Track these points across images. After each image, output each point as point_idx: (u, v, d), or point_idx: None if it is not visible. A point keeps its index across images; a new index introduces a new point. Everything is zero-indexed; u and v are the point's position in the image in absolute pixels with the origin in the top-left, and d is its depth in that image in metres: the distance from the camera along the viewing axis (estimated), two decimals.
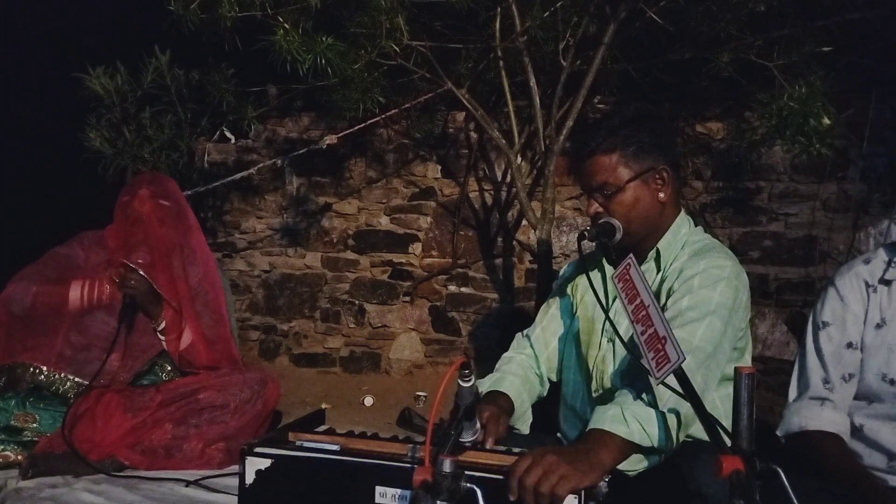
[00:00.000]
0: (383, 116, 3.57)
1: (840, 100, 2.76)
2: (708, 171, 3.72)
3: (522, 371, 1.89)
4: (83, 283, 2.59)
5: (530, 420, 1.87)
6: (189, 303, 2.61)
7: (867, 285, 1.74)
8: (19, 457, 2.40)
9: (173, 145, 3.92)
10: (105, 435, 2.42)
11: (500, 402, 1.74)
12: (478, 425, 1.45)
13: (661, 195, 1.74)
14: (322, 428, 1.64)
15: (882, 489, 1.62)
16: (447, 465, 1.17)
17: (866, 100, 3.32)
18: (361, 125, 3.55)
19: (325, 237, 4.25)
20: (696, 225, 1.82)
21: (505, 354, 1.96)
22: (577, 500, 1.28)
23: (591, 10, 3.04)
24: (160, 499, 2.18)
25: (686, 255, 1.72)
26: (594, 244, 1.78)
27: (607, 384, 1.74)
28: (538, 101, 3.13)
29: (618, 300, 1.60)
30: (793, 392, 1.79)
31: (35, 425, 2.45)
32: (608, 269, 1.79)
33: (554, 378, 1.93)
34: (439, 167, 4.10)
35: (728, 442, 1.23)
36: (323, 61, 2.88)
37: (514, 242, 4.00)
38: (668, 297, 1.68)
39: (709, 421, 1.27)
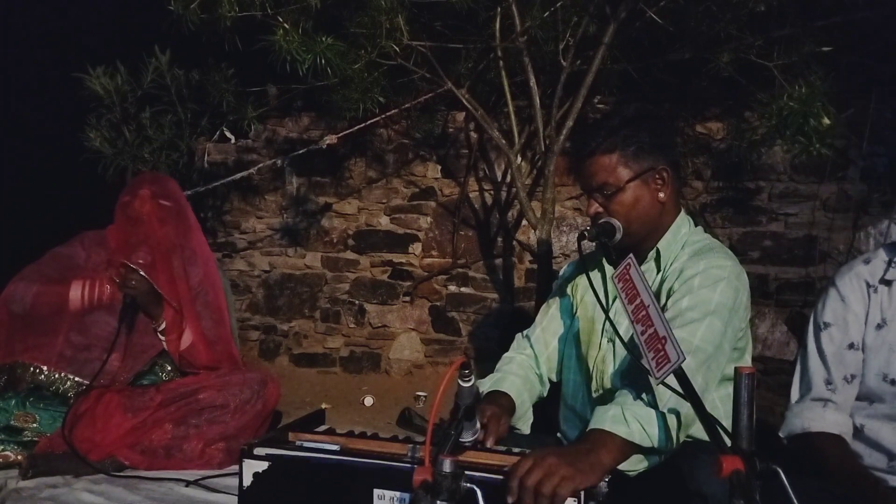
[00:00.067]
0: (383, 116, 3.57)
1: (840, 100, 2.76)
2: (708, 171, 3.72)
3: (523, 371, 1.89)
4: (84, 282, 2.58)
5: (531, 420, 1.87)
6: (189, 303, 2.61)
7: (868, 285, 1.74)
8: (19, 457, 2.39)
9: (173, 145, 3.92)
10: (105, 435, 2.42)
11: (502, 402, 1.74)
12: (478, 425, 1.45)
13: (661, 195, 1.74)
14: (322, 428, 1.64)
15: (882, 489, 1.62)
16: (447, 465, 1.17)
17: (866, 100, 3.32)
18: (361, 125, 3.55)
19: (325, 237, 4.25)
20: (696, 225, 1.82)
21: (505, 355, 1.96)
22: (577, 501, 1.27)
23: (591, 10, 3.04)
24: (160, 499, 2.18)
25: (686, 255, 1.72)
26: (594, 244, 1.78)
27: (607, 384, 1.74)
28: (538, 101, 3.13)
29: (618, 300, 1.60)
30: (795, 393, 1.79)
31: (35, 425, 2.45)
32: (608, 269, 1.79)
33: (554, 378, 1.93)
34: (439, 167, 4.10)
35: (728, 442, 1.23)
36: (323, 61, 2.88)
37: (514, 242, 4.00)
38: (668, 297, 1.68)
39: (709, 421, 1.27)
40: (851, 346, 1.73)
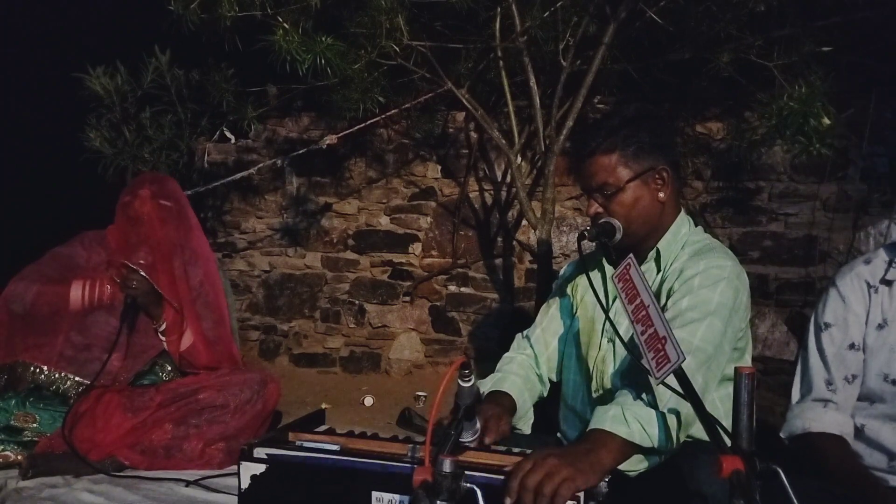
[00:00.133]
0: (383, 116, 3.57)
1: (840, 100, 2.76)
2: (708, 171, 3.72)
3: (523, 371, 1.89)
4: (84, 282, 2.58)
5: (532, 420, 1.87)
6: (190, 303, 2.61)
7: (868, 286, 1.74)
8: (19, 457, 2.40)
9: (173, 145, 3.92)
10: (105, 435, 2.42)
11: (503, 402, 1.74)
12: (478, 425, 1.45)
13: (661, 195, 1.74)
14: (322, 428, 1.64)
15: (883, 490, 1.62)
16: (447, 465, 1.16)
17: (866, 100, 3.32)
18: (361, 125, 3.55)
19: (325, 237, 4.25)
20: (696, 225, 1.82)
21: (506, 355, 1.96)
22: (577, 501, 1.27)
23: (591, 10, 3.04)
24: (160, 499, 2.18)
25: (686, 255, 1.72)
26: (594, 244, 1.78)
27: (607, 384, 1.74)
28: (538, 101, 3.13)
29: (618, 300, 1.60)
30: (795, 394, 1.79)
31: (35, 425, 2.45)
32: (608, 269, 1.79)
33: (554, 378, 1.93)
34: (439, 167, 4.11)
35: (728, 442, 1.23)
36: (323, 61, 2.88)
37: (514, 242, 4.00)
38: (668, 297, 1.67)
39: (709, 421, 1.26)
40: (852, 346, 1.73)
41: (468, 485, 1.20)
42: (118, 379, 2.53)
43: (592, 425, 1.47)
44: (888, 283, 1.72)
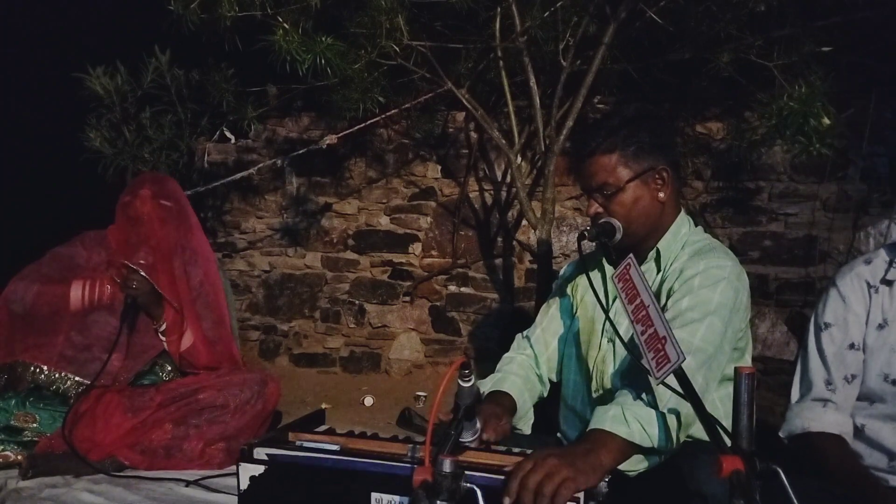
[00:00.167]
0: (383, 116, 3.57)
1: (840, 100, 2.76)
2: (708, 171, 3.72)
3: (524, 371, 1.89)
4: (84, 282, 2.58)
5: (532, 420, 1.87)
6: (190, 304, 2.61)
7: (869, 286, 1.74)
8: (19, 457, 2.40)
9: (173, 145, 3.92)
10: (105, 435, 2.42)
11: (503, 402, 1.74)
12: (478, 425, 1.45)
13: (661, 195, 1.74)
14: (322, 428, 1.64)
15: (883, 490, 1.62)
16: (447, 465, 1.16)
17: (866, 100, 3.32)
18: (361, 125, 3.55)
19: (325, 237, 4.25)
20: (696, 225, 1.82)
21: (506, 355, 1.96)
22: (577, 501, 1.27)
23: (591, 10, 3.04)
24: (160, 499, 2.18)
25: (686, 255, 1.72)
26: (594, 244, 1.78)
27: (607, 384, 1.74)
28: (538, 101, 3.13)
29: (618, 300, 1.60)
30: (795, 394, 1.79)
31: (35, 425, 2.45)
32: (608, 269, 1.79)
33: (554, 378, 1.93)
34: (439, 167, 4.11)
35: (728, 442, 1.23)
36: (323, 61, 2.88)
37: (514, 242, 4.00)
38: (668, 297, 1.67)
39: (709, 421, 1.26)
40: (852, 346, 1.73)
41: (468, 485, 1.20)
42: (118, 379, 2.53)
43: (592, 425, 1.47)
44: (888, 283, 1.72)
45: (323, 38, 2.88)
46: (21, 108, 4.34)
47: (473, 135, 4.03)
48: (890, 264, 1.73)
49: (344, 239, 4.23)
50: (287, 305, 4.30)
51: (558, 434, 1.91)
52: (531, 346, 1.95)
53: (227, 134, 4.27)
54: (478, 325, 4.05)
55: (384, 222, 4.18)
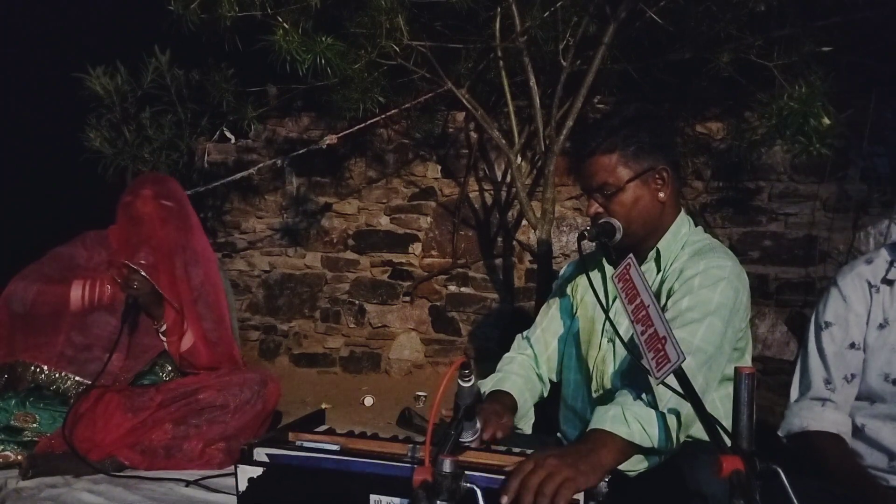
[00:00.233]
0: (383, 116, 3.57)
1: (840, 100, 2.76)
2: (708, 171, 3.72)
3: (524, 371, 1.89)
4: (84, 282, 2.58)
5: (532, 420, 1.87)
6: (191, 304, 2.61)
7: (870, 285, 1.74)
8: (19, 457, 2.39)
9: (173, 145, 3.92)
10: (105, 435, 2.42)
11: (504, 402, 1.75)
12: (478, 425, 1.45)
13: (661, 195, 1.74)
14: (322, 428, 1.64)
15: (882, 489, 1.62)
16: (447, 465, 1.16)
17: (866, 100, 3.32)
18: (361, 125, 3.55)
19: (325, 237, 4.25)
20: (696, 225, 1.82)
21: (506, 355, 1.96)
22: (577, 501, 1.27)
23: (591, 10, 3.04)
24: (160, 499, 2.18)
25: (686, 255, 1.72)
26: (594, 244, 1.78)
27: (607, 384, 1.74)
28: (538, 101, 3.13)
29: (618, 300, 1.60)
30: (794, 392, 1.80)
31: (35, 425, 2.45)
32: (608, 269, 1.79)
33: (554, 378, 1.93)
34: (439, 167, 4.11)
35: (728, 442, 1.23)
36: (323, 61, 2.88)
37: (514, 242, 4.00)
38: (668, 297, 1.67)
39: (709, 421, 1.26)
40: (852, 345, 1.73)
41: (468, 485, 1.20)
42: (119, 379, 2.53)
43: (592, 425, 1.47)
44: (889, 282, 1.72)
45: (323, 38, 2.88)
46: (21, 108, 4.34)
47: (473, 135, 4.03)
48: (891, 264, 1.73)
49: (344, 239, 4.23)
50: (287, 305, 4.30)
51: (558, 434, 1.91)
52: (531, 347, 1.95)
53: (227, 134, 4.27)
54: (478, 325, 4.05)
55: (384, 222, 4.18)
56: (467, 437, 1.42)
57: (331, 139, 3.58)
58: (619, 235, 1.71)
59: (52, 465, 2.31)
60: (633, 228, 1.72)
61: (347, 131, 3.63)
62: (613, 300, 1.75)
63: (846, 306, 1.74)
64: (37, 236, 2.84)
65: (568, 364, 1.89)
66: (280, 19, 2.86)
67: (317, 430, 1.61)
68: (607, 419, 1.46)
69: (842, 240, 3.56)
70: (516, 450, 1.50)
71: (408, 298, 4.14)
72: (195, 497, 2.23)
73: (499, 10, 3.06)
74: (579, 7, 3.04)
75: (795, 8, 2.87)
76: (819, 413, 1.71)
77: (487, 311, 4.04)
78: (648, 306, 1.37)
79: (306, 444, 1.51)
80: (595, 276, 1.81)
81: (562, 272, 2.03)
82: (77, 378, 2.53)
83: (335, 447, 1.48)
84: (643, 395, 1.51)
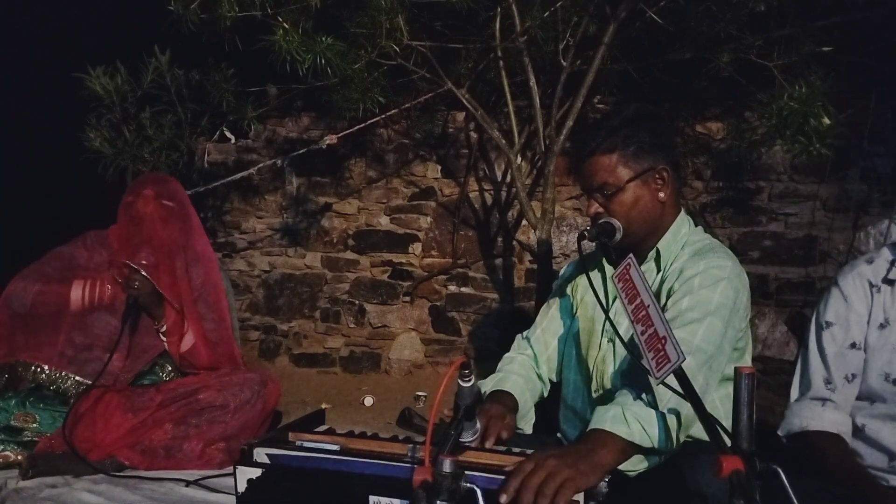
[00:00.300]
0: (383, 116, 3.57)
1: (840, 100, 2.75)
2: (708, 171, 3.72)
3: (524, 371, 1.90)
4: (85, 282, 2.59)
5: (533, 420, 1.87)
6: (191, 304, 2.61)
7: (871, 285, 1.74)
8: (19, 457, 2.40)
9: (173, 145, 3.92)
10: (105, 435, 2.42)
11: (505, 401, 1.75)
12: (478, 425, 1.45)
13: (661, 195, 1.74)
14: (322, 428, 1.64)
15: (882, 489, 1.62)
16: (447, 465, 1.16)
17: (866, 100, 3.32)
18: (361, 125, 3.55)
19: (325, 237, 4.25)
20: (696, 225, 1.82)
21: (506, 355, 1.96)
22: (577, 501, 1.27)
23: (591, 10, 3.04)
24: (160, 499, 2.18)
25: (686, 255, 1.72)
26: (594, 244, 1.78)
27: (607, 384, 1.74)
28: (538, 101, 3.13)
29: (618, 300, 1.60)
30: (794, 392, 1.80)
31: (35, 425, 2.45)
32: (608, 269, 1.79)
33: (554, 378, 1.93)
34: (439, 167, 4.11)
35: (728, 442, 1.23)
36: (323, 61, 2.88)
37: (514, 242, 4.00)
38: (668, 297, 1.67)
39: (709, 421, 1.27)
40: (853, 345, 1.73)
41: (468, 485, 1.20)
42: (119, 379, 2.53)
43: (593, 425, 1.47)
44: (890, 282, 1.72)
45: (323, 38, 2.88)
46: (21, 108, 4.34)
47: (473, 135, 4.03)
48: (892, 264, 1.73)
49: (344, 239, 4.23)
50: (287, 305, 4.30)
51: (558, 434, 1.91)
52: (531, 347, 1.95)
53: (227, 134, 4.27)
54: (478, 325, 4.05)
55: (384, 222, 4.18)
56: (467, 437, 1.42)
57: (331, 139, 3.58)
58: (619, 235, 1.71)
59: (52, 465, 2.31)
60: (633, 228, 1.72)
61: (347, 131, 3.63)
62: (613, 300, 1.75)
63: (847, 306, 1.74)
64: (37, 236, 2.84)
65: (568, 364, 1.89)
66: (280, 19, 2.86)
67: (317, 430, 1.61)
68: (607, 419, 1.46)
69: (842, 240, 3.56)
70: (516, 450, 1.50)
71: (408, 298, 4.14)
72: (195, 497, 2.23)
73: (499, 10, 3.06)
74: (579, 7, 3.04)
75: (795, 8, 2.87)
76: (819, 413, 1.71)
77: (487, 311, 4.04)
78: (648, 306, 1.37)
79: (306, 445, 1.51)
80: (595, 276, 1.81)
81: (562, 272, 2.03)
82: (77, 378, 2.53)
83: (335, 447, 1.48)
84: (643, 395, 1.51)
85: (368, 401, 3.65)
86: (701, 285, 1.63)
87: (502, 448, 1.52)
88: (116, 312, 2.55)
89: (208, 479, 2.32)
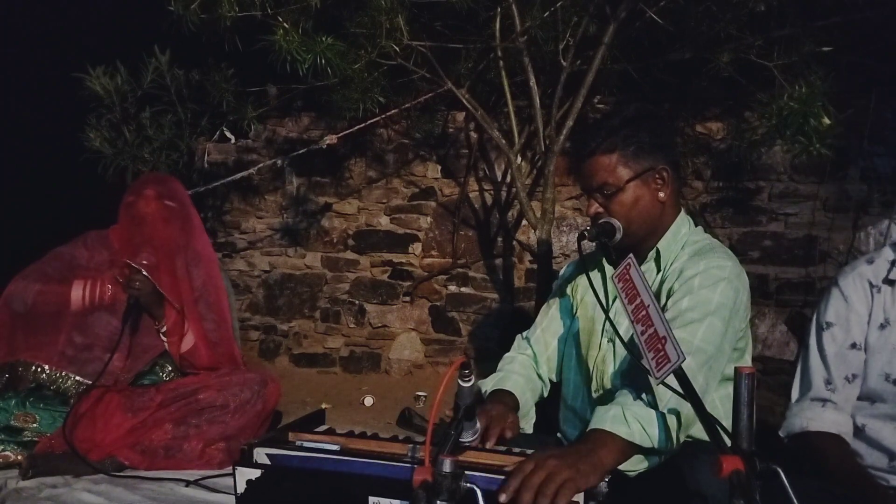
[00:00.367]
0: (383, 116, 3.57)
1: (840, 100, 2.76)
2: (708, 171, 3.72)
3: (525, 370, 1.90)
4: (85, 282, 2.59)
5: (534, 419, 1.87)
6: (192, 305, 2.61)
7: (871, 285, 1.74)
8: (19, 457, 2.40)
9: (173, 145, 3.92)
10: (105, 435, 2.42)
11: (507, 401, 1.75)
12: (478, 425, 1.45)
13: (661, 195, 1.74)
14: (322, 428, 1.64)
15: (882, 489, 1.62)
16: (447, 466, 1.16)
17: (866, 100, 3.32)
18: (361, 125, 3.55)
19: (325, 237, 4.25)
20: (696, 225, 1.82)
21: (506, 355, 1.96)
22: (577, 501, 1.27)
23: (591, 10, 3.04)
24: (160, 499, 2.18)
25: (686, 255, 1.72)
26: (594, 244, 1.78)
27: (607, 384, 1.74)
28: (538, 101, 3.13)
29: (618, 300, 1.60)
30: (795, 393, 1.79)
31: (35, 425, 2.45)
32: (608, 269, 1.79)
33: (554, 378, 1.93)
34: (439, 167, 4.11)
35: (728, 442, 1.23)
36: (323, 61, 2.88)
37: (514, 242, 4.00)
38: (668, 297, 1.67)
39: (709, 421, 1.26)
40: (853, 346, 1.73)
41: (468, 485, 1.20)
42: (119, 379, 2.53)
43: (593, 425, 1.47)
44: (891, 282, 1.72)
45: (323, 38, 2.88)
46: (21, 108, 4.34)
47: (473, 135, 4.03)
48: (893, 264, 1.73)
49: (344, 239, 4.23)
50: (287, 305, 4.30)
51: (558, 434, 1.91)
52: (531, 347, 1.95)
53: (227, 134, 4.27)
54: (478, 325, 4.05)
55: (384, 222, 4.18)
56: (467, 437, 1.41)
57: (331, 139, 3.58)
58: (619, 235, 1.70)
59: (52, 465, 2.31)
60: (633, 228, 1.72)
61: (347, 131, 3.63)
62: (613, 300, 1.75)
63: (847, 306, 1.74)
64: (37, 236, 2.84)
65: (568, 364, 1.89)
66: (280, 19, 2.86)
67: (317, 430, 1.61)
68: (607, 419, 1.46)
69: (842, 240, 3.56)
70: (516, 450, 1.50)
71: (408, 298, 4.14)
72: (195, 497, 2.23)
73: (499, 10, 3.06)
74: (579, 7, 3.04)
75: (795, 8, 2.87)
76: (819, 413, 1.71)
77: (487, 311, 4.04)
78: (648, 306, 1.37)
79: (306, 445, 1.51)
80: (595, 276, 1.81)
81: (562, 272, 2.03)
82: (77, 378, 2.53)
83: (335, 447, 1.48)
84: (643, 395, 1.51)
85: (368, 401, 3.65)
86: (701, 285, 1.63)
87: (502, 448, 1.52)
88: (117, 312, 2.55)
89: (208, 479, 2.32)
